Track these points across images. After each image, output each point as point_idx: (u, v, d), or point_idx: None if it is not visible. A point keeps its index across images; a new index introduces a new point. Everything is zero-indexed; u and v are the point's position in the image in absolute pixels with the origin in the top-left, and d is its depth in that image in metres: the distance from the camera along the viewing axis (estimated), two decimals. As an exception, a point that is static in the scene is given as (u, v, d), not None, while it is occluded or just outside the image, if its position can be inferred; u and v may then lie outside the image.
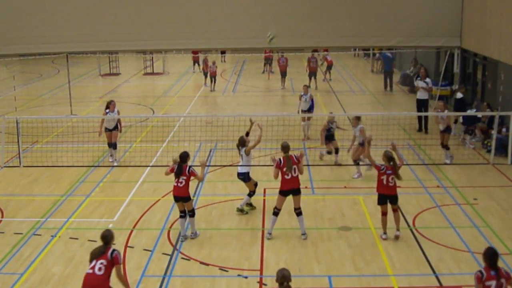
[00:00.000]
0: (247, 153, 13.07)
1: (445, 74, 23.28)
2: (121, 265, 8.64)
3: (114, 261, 8.42)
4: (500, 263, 10.73)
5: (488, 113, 17.49)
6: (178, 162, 11.72)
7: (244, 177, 13.20)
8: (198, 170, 11.93)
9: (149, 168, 16.45)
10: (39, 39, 21.30)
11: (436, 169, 16.00)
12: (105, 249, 8.44)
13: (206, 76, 29.76)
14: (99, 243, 11.48)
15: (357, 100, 26.37)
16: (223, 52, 38.16)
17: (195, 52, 33.15)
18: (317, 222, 12.80)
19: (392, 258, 11.08)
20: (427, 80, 20.56)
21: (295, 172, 11.59)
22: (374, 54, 34.66)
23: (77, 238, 12.11)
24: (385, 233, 11.82)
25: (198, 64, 34.40)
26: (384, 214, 11.77)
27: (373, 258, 11.06)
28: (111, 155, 17.10)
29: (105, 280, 8.34)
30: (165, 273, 10.65)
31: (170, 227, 12.59)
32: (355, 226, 12.47)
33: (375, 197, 13.62)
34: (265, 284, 10.24)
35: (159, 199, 14.18)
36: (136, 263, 11.01)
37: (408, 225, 12.52)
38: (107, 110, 16.84)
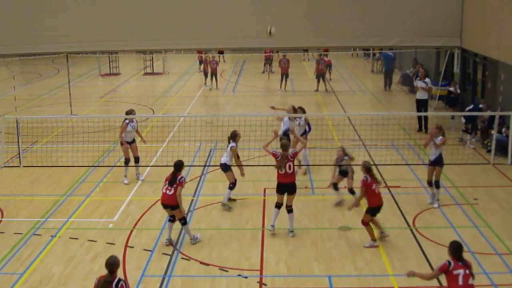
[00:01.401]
0: (233, 152, 13.43)
1: (445, 74, 23.28)
2: None
3: None
4: (500, 263, 10.79)
5: (488, 113, 17.49)
6: (173, 170, 11.50)
7: (225, 167, 13.56)
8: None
9: (149, 168, 16.44)
10: (39, 39, 21.29)
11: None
12: (112, 278, 7.75)
13: (206, 76, 29.78)
14: (99, 243, 11.51)
15: (357, 100, 26.38)
16: (221, 52, 38.18)
17: (200, 51, 33.16)
18: (317, 222, 12.80)
19: (392, 258, 11.08)
20: (427, 80, 20.56)
21: (289, 169, 11.74)
22: (374, 54, 34.66)
23: (77, 238, 12.11)
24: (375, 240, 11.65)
25: (201, 64, 34.31)
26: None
27: (373, 258, 11.06)
28: (126, 176, 15.26)
29: None
30: (165, 273, 10.65)
31: (170, 227, 12.59)
32: (355, 226, 12.46)
33: (375, 197, 13.63)
34: (265, 284, 10.24)
35: (159, 199, 14.15)
36: (136, 263, 11.01)
37: (408, 225, 12.52)
38: (127, 121, 15.13)
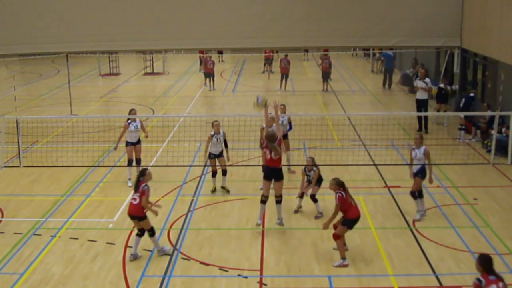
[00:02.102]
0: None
1: (445, 74, 23.27)
2: None
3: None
4: (500, 263, 10.77)
5: (488, 113, 17.50)
6: (137, 177, 11.06)
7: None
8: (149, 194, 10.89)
9: (149, 168, 16.40)
10: (39, 39, 21.29)
11: (436, 169, 15.98)
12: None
13: (206, 76, 29.78)
14: (99, 243, 11.53)
15: (357, 100, 26.38)
16: (220, 52, 38.18)
17: (202, 51, 33.17)
18: (317, 222, 12.79)
19: (392, 258, 11.08)
20: (427, 80, 20.57)
21: (275, 155, 11.86)
22: (374, 54, 34.67)
23: (77, 238, 12.11)
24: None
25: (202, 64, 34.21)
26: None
27: (373, 258, 11.06)
28: (129, 179, 14.98)
29: None
30: (165, 273, 10.65)
31: (170, 227, 12.59)
32: (355, 226, 12.43)
33: (375, 197, 13.70)
34: (265, 284, 10.24)
35: (159, 199, 14.17)
36: (136, 263, 11.00)
37: (408, 225, 12.52)
38: (129, 121, 15.03)
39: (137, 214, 10.90)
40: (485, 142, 17.82)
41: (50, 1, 21.24)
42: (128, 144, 15.06)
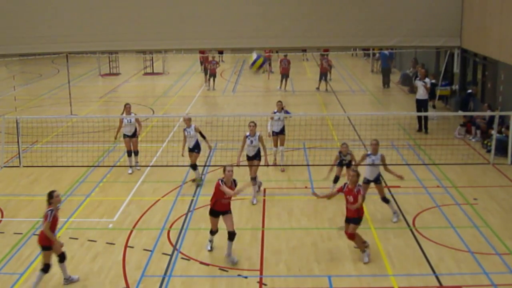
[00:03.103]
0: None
1: (445, 74, 23.28)
2: None
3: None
4: (500, 263, 10.79)
5: (488, 113, 17.51)
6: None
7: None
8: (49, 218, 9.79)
9: (149, 168, 16.45)
10: (39, 39, 21.30)
11: (436, 169, 15.99)
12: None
13: (206, 74, 29.81)
14: (99, 243, 11.53)
15: (357, 100, 26.38)
16: (220, 52, 38.17)
17: (202, 52, 33.15)
18: (317, 222, 12.80)
19: (392, 258, 11.07)
20: (426, 80, 20.57)
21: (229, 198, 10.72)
22: (374, 54, 34.68)
23: (77, 238, 12.11)
24: None
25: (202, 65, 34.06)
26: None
27: (373, 258, 11.05)
28: (130, 166, 16.12)
29: None
30: (165, 273, 10.65)
31: (170, 227, 12.59)
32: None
33: (375, 197, 13.66)
34: (265, 284, 10.24)
35: (159, 199, 14.19)
36: (136, 263, 11.01)
37: (408, 225, 12.52)
38: (124, 115, 16.24)
39: (40, 243, 9.91)
40: (485, 142, 17.82)
41: (50, 1, 21.25)
42: (125, 136, 16.12)
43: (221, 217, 10.97)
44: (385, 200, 12.78)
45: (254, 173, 14.06)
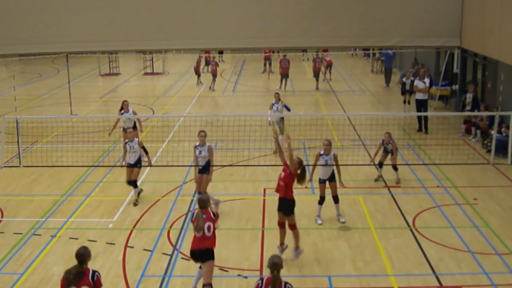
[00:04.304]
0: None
1: (445, 74, 23.28)
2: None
3: (97, 286, 7.36)
4: (500, 263, 10.79)
5: (489, 113, 17.50)
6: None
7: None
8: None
9: (149, 168, 16.44)
10: (39, 39, 21.31)
11: (436, 169, 15.99)
12: (83, 270, 7.32)
13: (199, 76, 30.36)
14: (99, 243, 11.49)
15: (357, 100, 26.39)
16: (220, 52, 38.17)
17: (207, 51, 33.25)
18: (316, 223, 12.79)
19: (392, 258, 11.07)
20: (426, 80, 20.56)
21: (208, 231, 9.41)
22: (374, 54, 34.68)
23: (77, 238, 12.10)
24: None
25: (207, 65, 33.71)
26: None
27: (373, 258, 11.06)
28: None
29: None
30: (165, 273, 10.65)
31: (170, 227, 12.59)
32: (355, 226, 12.47)
33: (375, 197, 13.69)
34: (265, 284, 10.22)
35: (159, 199, 14.19)
36: (136, 263, 11.00)
37: (408, 225, 12.52)
38: (122, 112, 16.58)
39: None
40: (485, 142, 17.81)
41: (50, 1, 21.24)
42: (124, 129, 16.16)
43: None
44: (335, 199, 12.69)
45: (204, 189, 12.90)
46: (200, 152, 13.06)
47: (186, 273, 10.65)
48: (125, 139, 15.18)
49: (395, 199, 13.92)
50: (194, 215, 9.46)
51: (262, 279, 7.35)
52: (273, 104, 17.93)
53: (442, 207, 13.46)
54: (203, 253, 9.40)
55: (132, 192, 14.29)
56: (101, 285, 7.41)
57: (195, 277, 9.88)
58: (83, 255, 7.36)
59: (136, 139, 13.99)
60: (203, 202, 9.49)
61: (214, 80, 29.09)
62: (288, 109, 18.41)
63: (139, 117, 17.13)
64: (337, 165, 12.62)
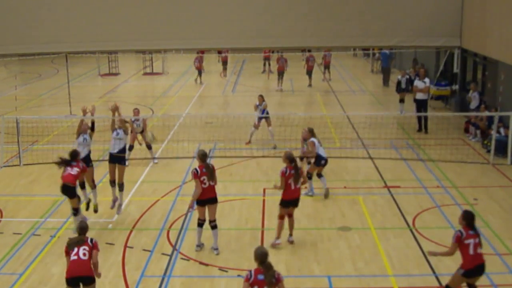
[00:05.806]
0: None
1: (445, 74, 23.26)
2: (98, 251, 8.99)
3: (94, 247, 8.89)
4: (500, 263, 10.78)
5: (489, 113, 17.49)
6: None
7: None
8: None
9: (148, 168, 16.43)
10: (39, 39, 21.29)
11: (436, 169, 15.98)
12: (83, 238, 8.99)
13: (200, 75, 30.65)
14: (99, 243, 11.42)
15: (357, 100, 26.38)
16: (220, 52, 38.18)
17: (220, 51, 33.47)
18: (317, 222, 12.79)
19: (391, 258, 11.06)
20: (426, 80, 20.56)
21: (213, 181, 11.27)
22: (374, 54, 34.70)
23: (76, 238, 12.07)
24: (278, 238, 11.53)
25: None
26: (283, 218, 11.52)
27: (373, 258, 11.05)
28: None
29: (89, 263, 8.84)
30: (165, 274, 10.63)
31: (170, 227, 12.57)
32: (355, 226, 12.46)
33: (375, 197, 13.69)
34: (265, 284, 10.21)
35: (158, 199, 14.17)
36: (136, 263, 10.99)
37: (408, 225, 12.50)
38: (133, 119, 16.58)
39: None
40: (485, 142, 17.81)
41: (50, 1, 21.22)
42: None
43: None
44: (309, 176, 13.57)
45: (120, 179, 12.76)
46: (117, 133, 12.99)
47: (185, 274, 10.64)
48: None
49: (395, 199, 13.91)
50: (199, 170, 11.24)
51: (250, 271, 8.03)
52: (257, 106, 18.11)
53: (442, 207, 13.45)
54: (211, 199, 11.28)
55: (132, 192, 14.28)
56: (98, 249, 8.92)
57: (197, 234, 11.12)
58: (84, 228, 9.18)
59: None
60: (204, 156, 11.28)
61: (225, 68, 29.38)
62: (263, 113, 17.88)
63: (145, 120, 17.24)
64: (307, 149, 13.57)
